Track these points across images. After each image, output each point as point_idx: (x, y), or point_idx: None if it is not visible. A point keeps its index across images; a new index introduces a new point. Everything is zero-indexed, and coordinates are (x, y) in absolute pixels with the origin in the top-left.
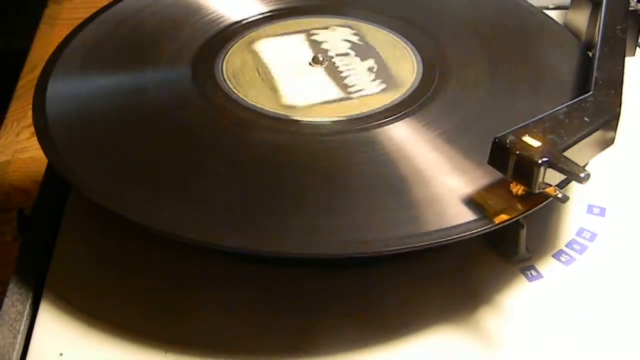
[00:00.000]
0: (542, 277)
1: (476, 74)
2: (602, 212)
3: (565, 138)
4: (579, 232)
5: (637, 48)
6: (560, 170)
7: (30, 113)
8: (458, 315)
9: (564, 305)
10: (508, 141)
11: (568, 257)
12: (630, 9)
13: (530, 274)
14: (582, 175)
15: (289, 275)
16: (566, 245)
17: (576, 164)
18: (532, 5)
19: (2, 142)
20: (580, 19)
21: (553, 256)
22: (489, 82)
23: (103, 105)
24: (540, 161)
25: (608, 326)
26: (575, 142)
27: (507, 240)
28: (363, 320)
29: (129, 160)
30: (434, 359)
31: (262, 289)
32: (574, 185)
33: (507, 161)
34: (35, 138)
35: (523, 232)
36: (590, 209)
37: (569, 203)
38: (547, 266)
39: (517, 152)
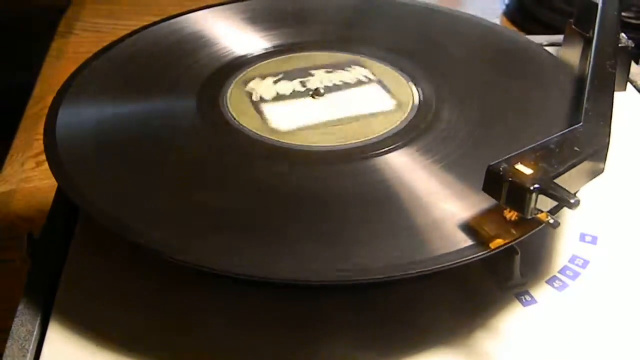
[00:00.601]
0: (536, 302)
1: (472, 103)
2: (594, 240)
3: (556, 166)
4: (572, 259)
5: (628, 83)
6: (551, 197)
7: (35, 144)
8: (454, 337)
9: (557, 330)
10: (501, 169)
11: (561, 283)
12: (620, 45)
13: (525, 299)
14: (572, 201)
15: (293, 294)
16: (559, 272)
17: (566, 190)
18: (529, 39)
19: (8, 171)
20: (572, 54)
21: (547, 282)
22: (484, 112)
23: (112, 131)
24: (531, 188)
25: (600, 350)
26: (565, 170)
27: (502, 265)
28: (361, 339)
29: (136, 183)
30: None
31: (267, 307)
32: (566, 214)
33: (500, 188)
34: (39, 168)
35: (517, 258)
36: (582, 237)
37: (562, 231)
38: (541, 292)
39: (510, 179)
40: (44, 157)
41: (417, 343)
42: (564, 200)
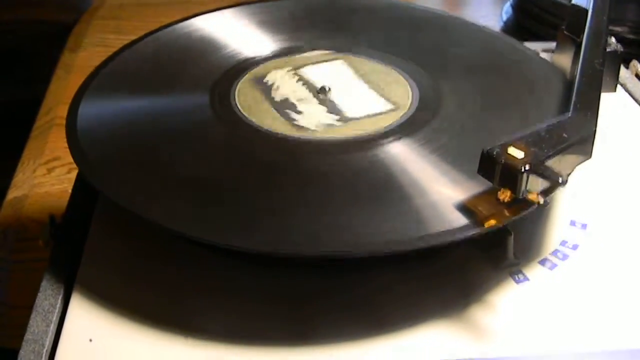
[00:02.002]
0: (528, 279)
1: (468, 99)
2: (584, 226)
3: (545, 150)
4: (563, 243)
5: (617, 85)
6: (541, 176)
7: (46, 151)
8: (450, 312)
9: (548, 305)
10: (495, 152)
11: (552, 264)
12: (609, 49)
13: (518, 277)
14: (560, 180)
15: (300, 272)
16: (551, 254)
17: (555, 171)
18: (524, 45)
19: (20, 177)
20: (565, 59)
21: (539, 262)
22: (479, 106)
23: (130, 124)
24: (523, 169)
25: (587, 322)
26: (554, 154)
27: (497, 247)
28: (361, 314)
29: (152, 171)
30: (427, 352)
31: (277, 283)
32: (558, 202)
33: (494, 170)
34: (50, 174)
35: (511, 239)
36: (572, 223)
37: (553, 218)
38: (533, 271)
39: (503, 161)
40: (54, 164)
41: (412, 317)
42: (553, 179)
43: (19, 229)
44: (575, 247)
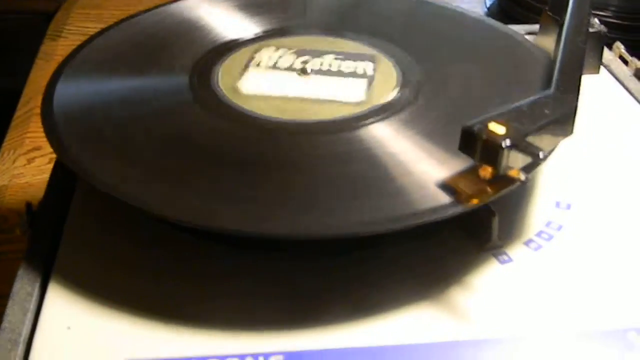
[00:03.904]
0: (512, 260)
1: (450, 80)
2: (568, 207)
3: (527, 126)
4: (547, 224)
5: (601, 67)
6: (522, 151)
7: (26, 142)
8: (432, 294)
9: (532, 285)
10: (475, 128)
11: (537, 245)
12: (592, 30)
13: (502, 258)
14: (540, 155)
15: (287, 260)
16: (535, 235)
17: (536, 146)
18: (508, 27)
19: (0, 168)
20: (548, 41)
21: (523, 244)
22: (462, 86)
23: (107, 106)
24: (504, 145)
25: (572, 302)
26: (536, 130)
27: (481, 228)
28: (340, 298)
29: (129, 152)
30: (410, 332)
31: (263, 270)
32: (543, 184)
33: (475, 146)
34: (30, 165)
35: (495, 220)
36: (557, 204)
37: (538, 199)
38: (517, 252)
39: (484, 137)
40: (34, 154)
41: (393, 299)
42: (533, 154)
43: None
44: (559, 227)
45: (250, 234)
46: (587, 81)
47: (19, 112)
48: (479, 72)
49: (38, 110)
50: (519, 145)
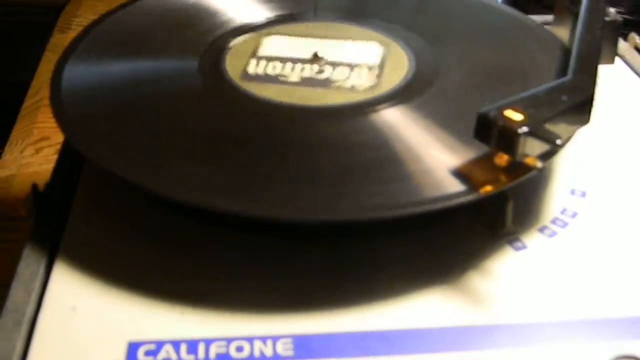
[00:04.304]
0: (526, 247)
1: (465, 67)
2: (583, 194)
3: (544, 112)
4: (562, 211)
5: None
6: (540, 139)
7: (35, 132)
8: (447, 279)
9: (547, 272)
10: (491, 114)
11: (551, 231)
12: (607, 19)
13: (516, 245)
14: (557, 142)
15: (297, 243)
16: (550, 222)
17: (553, 132)
18: (524, 15)
19: (8, 157)
20: (563, 31)
21: (538, 230)
22: (478, 73)
23: (116, 88)
24: (521, 130)
25: (586, 289)
26: (553, 117)
27: (495, 214)
28: (355, 283)
29: (136, 133)
30: (422, 316)
31: (275, 256)
32: (558, 171)
33: (490, 133)
34: (38, 155)
35: (510, 206)
36: (572, 192)
37: (553, 186)
38: (532, 238)
39: (500, 123)
40: (42, 144)
41: (407, 285)
42: (552, 141)
43: (6, 208)
44: (574, 214)
45: (266, 219)
46: (603, 71)
47: (28, 103)
48: (494, 59)
49: (47, 102)
50: (537, 131)
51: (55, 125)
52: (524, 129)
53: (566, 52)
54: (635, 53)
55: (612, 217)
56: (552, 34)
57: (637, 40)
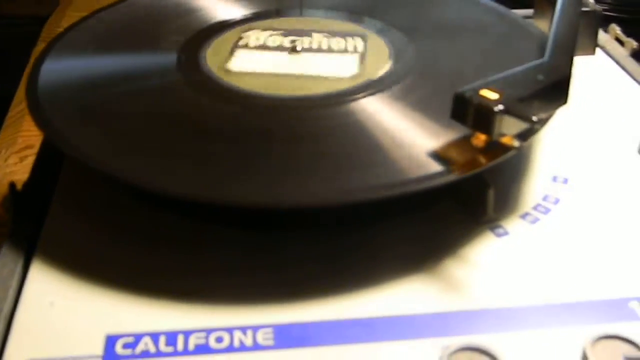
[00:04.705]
0: (508, 233)
1: (443, 56)
2: (565, 181)
3: (519, 91)
4: (544, 198)
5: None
6: (516, 116)
7: (19, 140)
8: (427, 265)
9: (529, 257)
10: (467, 94)
11: (534, 217)
12: (586, 9)
13: (498, 231)
14: (534, 118)
15: (275, 232)
16: (532, 208)
17: (529, 110)
18: (500, 5)
19: None
20: (543, 24)
21: (519, 217)
22: (455, 63)
23: (94, 83)
24: (497, 109)
25: (569, 273)
26: (529, 96)
27: (476, 201)
28: (338, 270)
29: (115, 128)
30: (403, 303)
31: (252, 247)
32: (539, 158)
33: (467, 112)
34: (22, 163)
35: (490, 193)
36: (554, 179)
37: (534, 173)
38: (514, 225)
39: (476, 102)
40: (27, 152)
41: (385, 269)
42: (528, 118)
43: None
44: (556, 201)
45: (251, 206)
46: (584, 62)
47: (12, 112)
48: (472, 48)
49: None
50: (513, 109)
51: (39, 133)
52: (500, 106)
53: (545, 41)
54: (616, 44)
55: (594, 203)
56: (533, 25)
57: (618, 31)
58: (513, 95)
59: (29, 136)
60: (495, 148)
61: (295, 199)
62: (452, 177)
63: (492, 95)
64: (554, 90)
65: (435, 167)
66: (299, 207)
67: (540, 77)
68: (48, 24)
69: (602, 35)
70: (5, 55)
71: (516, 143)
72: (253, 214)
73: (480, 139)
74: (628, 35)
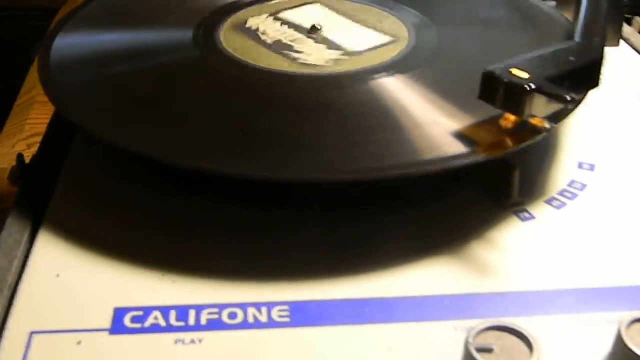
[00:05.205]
0: (534, 218)
1: (466, 39)
2: (592, 167)
3: (550, 71)
4: (570, 183)
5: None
6: (547, 95)
7: (26, 128)
8: (451, 247)
9: (556, 241)
10: (497, 72)
11: (559, 203)
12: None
13: (523, 215)
14: (567, 97)
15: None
16: (557, 193)
17: (562, 88)
18: None
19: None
20: (566, 13)
21: (545, 202)
22: (480, 46)
23: (106, 58)
24: (528, 87)
25: (594, 259)
26: (560, 76)
27: (501, 185)
28: (360, 250)
29: (130, 101)
30: (425, 284)
31: (268, 221)
32: (565, 144)
33: (496, 92)
34: (30, 150)
35: (516, 175)
36: (580, 165)
37: (559, 159)
38: (539, 209)
39: (507, 80)
40: (34, 139)
41: (408, 251)
42: (560, 97)
43: None
44: (583, 187)
45: (265, 179)
46: (608, 53)
47: (20, 100)
48: (496, 34)
49: (39, 99)
50: (544, 88)
51: (47, 121)
52: (531, 85)
53: (571, 29)
54: (639, 36)
55: (622, 189)
56: (559, 13)
57: None
58: (544, 74)
59: (36, 124)
60: (523, 131)
61: (317, 173)
62: (478, 158)
63: (523, 74)
64: (585, 71)
65: (461, 148)
66: (318, 181)
67: (572, 57)
68: (60, 16)
69: (626, 28)
70: (13, 48)
71: (547, 124)
72: (268, 190)
73: (509, 119)
74: None
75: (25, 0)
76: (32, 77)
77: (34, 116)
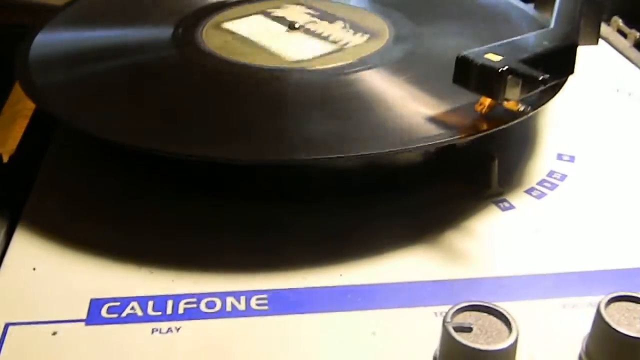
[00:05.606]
0: (514, 207)
1: (443, 36)
2: (572, 159)
3: (524, 55)
4: (550, 174)
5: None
6: (520, 76)
7: (9, 141)
8: (430, 235)
9: (535, 229)
10: (471, 56)
11: (539, 193)
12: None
13: (503, 205)
14: (539, 77)
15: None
16: (537, 184)
17: (535, 69)
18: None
19: None
20: (545, 14)
21: (525, 192)
22: (456, 43)
23: (84, 54)
24: (501, 69)
25: (574, 247)
26: (534, 59)
27: (481, 175)
28: (339, 239)
29: (107, 93)
30: (406, 272)
31: (238, 211)
32: (545, 136)
33: (470, 75)
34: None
35: (495, 165)
36: (560, 156)
37: (539, 151)
38: (519, 199)
39: (480, 62)
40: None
41: (387, 239)
42: (533, 77)
43: None
44: (563, 177)
45: (250, 163)
46: (587, 51)
47: (6, 113)
48: (472, 31)
49: (25, 112)
50: (518, 69)
51: None
52: (505, 67)
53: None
54: (618, 35)
55: (602, 179)
56: (538, 14)
57: (620, 23)
58: (517, 56)
59: (20, 138)
60: (498, 115)
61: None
62: (455, 139)
63: (496, 57)
64: (560, 57)
65: (437, 130)
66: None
67: (546, 42)
68: None
69: (604, 28)
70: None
71: (522, 107)
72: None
73: (484, 104)
74: (630, 27)
75: (6, 16)
76: (18, 89)
77: (20, 129)
